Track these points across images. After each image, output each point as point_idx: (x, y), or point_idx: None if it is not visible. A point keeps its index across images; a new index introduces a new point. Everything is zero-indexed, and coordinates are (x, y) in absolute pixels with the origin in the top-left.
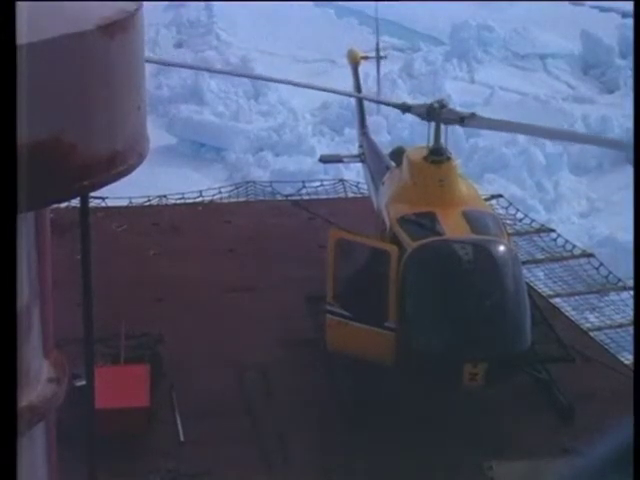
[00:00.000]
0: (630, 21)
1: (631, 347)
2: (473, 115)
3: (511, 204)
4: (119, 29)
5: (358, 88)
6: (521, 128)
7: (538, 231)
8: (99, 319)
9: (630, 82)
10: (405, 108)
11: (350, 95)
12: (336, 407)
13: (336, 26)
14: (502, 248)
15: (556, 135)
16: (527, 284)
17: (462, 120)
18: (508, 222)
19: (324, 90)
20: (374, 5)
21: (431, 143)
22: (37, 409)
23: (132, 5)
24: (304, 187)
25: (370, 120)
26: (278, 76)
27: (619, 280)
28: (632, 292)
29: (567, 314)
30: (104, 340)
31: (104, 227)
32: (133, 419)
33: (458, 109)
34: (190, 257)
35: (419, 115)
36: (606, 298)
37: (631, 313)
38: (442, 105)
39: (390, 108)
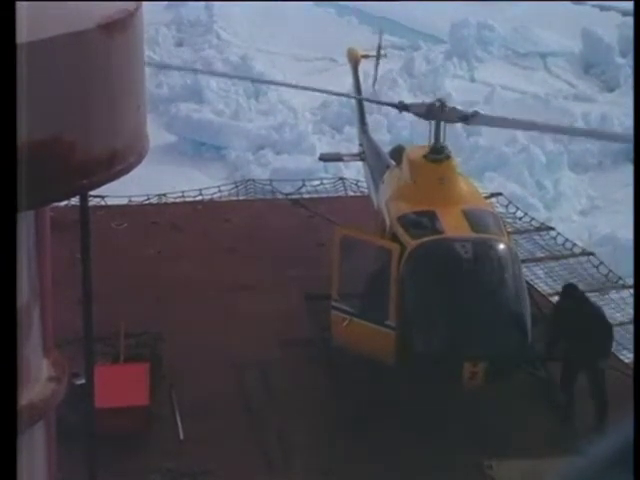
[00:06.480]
0: (630, 20)
1: (631, 345)
2: (476, 113)
3: (511, 202)
4: (119, 28)
5: (358, 87)
6: (522, 124)
7: (538, 229)
8: (99, 318)
9: (630, 80)
10: (403, 107)
11: (347, 96)
12: (336, 406)
13: (336, 25)
14: (502, 247)
15: (556, 130)
16: (527, 282)
17: (466, 118)
18: (508, 220)
19: (320, 91)
20: (374, 4)
21: (431, 142)
22: (37, 408)
23: (132, 4)
24: (304, 186)
25: (370, 119)
26: (278, 74)
27: (619, 278)
28: (632, 290)
29: None
30: (104, 339)
31: (104, 226)
32: (133, 418)
33: (460, 108)
34: (190, 255)
35: (417, 114)
36: (606, 296)
37: (631, 311)
38: (442, 104)
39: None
